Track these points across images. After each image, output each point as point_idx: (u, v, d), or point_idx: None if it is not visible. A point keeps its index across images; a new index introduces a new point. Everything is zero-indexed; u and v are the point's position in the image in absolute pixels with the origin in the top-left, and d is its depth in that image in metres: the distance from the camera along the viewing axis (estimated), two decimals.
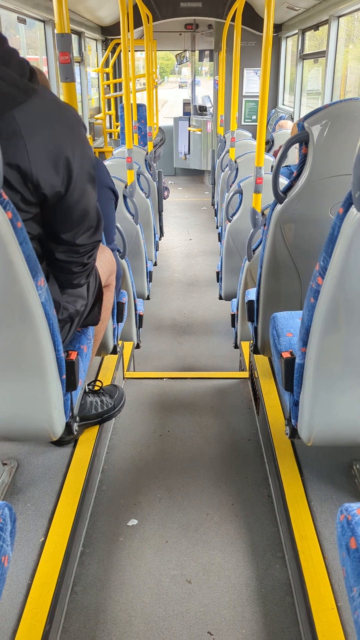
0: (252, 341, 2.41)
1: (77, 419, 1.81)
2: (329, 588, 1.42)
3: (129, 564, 1.70)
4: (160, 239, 5.49)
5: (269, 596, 1.59)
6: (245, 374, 2.78)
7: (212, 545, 1.76)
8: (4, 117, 1.10)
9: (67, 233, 1.35)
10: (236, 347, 3.17)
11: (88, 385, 2.16)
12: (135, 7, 4.96)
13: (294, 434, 1.53)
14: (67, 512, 1.67)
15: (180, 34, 8.69)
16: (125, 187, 3.25)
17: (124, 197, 3.27)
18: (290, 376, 1.45)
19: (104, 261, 1.92)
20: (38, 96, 1.15)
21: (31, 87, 1.15)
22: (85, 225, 1.38)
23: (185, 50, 9.24)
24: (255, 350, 2.35)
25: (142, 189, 4.11)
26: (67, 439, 1.94)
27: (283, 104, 7.65)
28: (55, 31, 1.87)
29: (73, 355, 1.46)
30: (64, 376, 1.42)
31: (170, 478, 2.04)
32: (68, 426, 1.53)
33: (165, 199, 5.93)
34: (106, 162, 3.64)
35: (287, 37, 7.18)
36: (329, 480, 1.77)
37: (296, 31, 6.30)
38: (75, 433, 1.64)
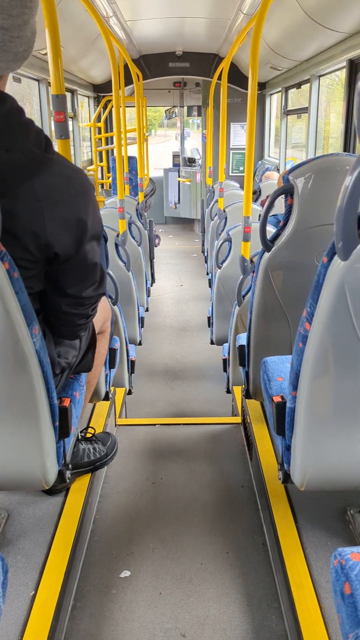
0: (244, 386, 2.43)
1: (70, 466, 1.80)
2: (327, 639, 1.39)
3: (122, 617, 1.65)
4: (151, 285, 5.57)
5: None
6: (238, 419, 2.78)
7: (206, 596, 1.72)
8: (24, 186, 1.16)
9: (73, 287, 1.39)
10: (228, 391, 3.18)
11: (80, 432, 2.15)
12: (126, 67, 5.20)
13: (286, 478, 1.53)
14: (59, 564, 1.63)
15: (170, 91, 9.08)
16: (117, 235, 3.33)
17: (116, 245, 3.34)
18: (282, 420, 1.46)
19: (98, 308, 1.95)
20: (54, 165, 1.21)
21: (48, 158, 1.21)
22: (91, 280, 1.42)
23: (174, 106, 9.62)
24: (247, 394, 2.36)
25: (133, 237, 4.20)
26: (59, 488, 1.91)
27: (269, 156, 7.93)
28: (51, 92, 1.97)
29: (66, 402, 1.47)
30: (57, 423, 1.43)
31: (163, 527, 2.01)
32: (60, 474, 1.52)
33: (156, 246, 6.06)
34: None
35: (271, 94, 7.53)
36: (324, 526, 1.76)
37: (280, 89, 6.61)
38: (68, 481, 1.63)
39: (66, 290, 1.39)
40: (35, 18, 1.20)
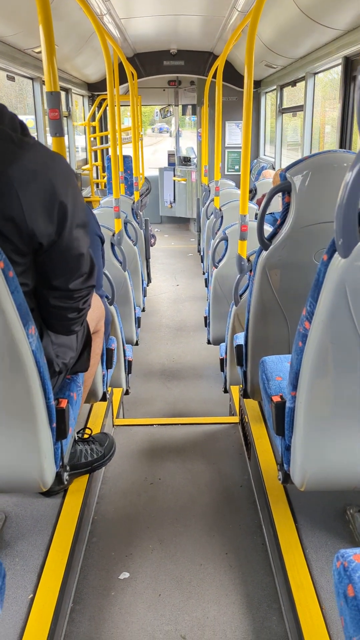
0: (241, 385, 2.42)
1: (68, 468, 1.78)
2: None
3: (121, 620, 1.64)
4: (147, 285, 5.55)
5: None
6: (236, 419, 2.77)
7: (206, 597, 1.71)
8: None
9: (59, 279, 1.35)
10: (226, 391, 3.16)
11: (77, 433, 2.14)
12: (121, 65, 5.18)
13: (286, 479, 1.51)
14: (57, 566, 1.62)
15: (164, 90, 9.06)
16: (113, 235, 3.31)
17: (112, 244, 3.32)
18: (281, 420, 1.45)
19: (93, 307, 1.93)
20: (32, 149, 1.19)
21: (25, 141, 1.19)
22: (77, 271, 1.38)
23: (169, 105, 9.60)
24: (245, 394, 2.35)
25: (129, 237, 4.18)
26: (57, 489, 1.90)
27: (264, 155, 7.92)
28: (45, 89, 1.95)
29: (63, 403, 1.45)
30: (54, 424, 1.41)
31: (162, 528, 2.00)
32: (58, 476, 1.51)
33: (152, 246, 6.04)
34: (94, 211, 3.71)
35: (266, 92, 7.52)
36: (323, 526, 1.75)
37: (275, 87, 6.60)
38: (66, 483, 1.61)
39: (52, 282, 1.35)
40: None
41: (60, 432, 1.44)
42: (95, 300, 2.00)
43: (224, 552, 1.88)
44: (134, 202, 4.99)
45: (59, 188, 1.23)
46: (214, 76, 5.30)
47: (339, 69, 4.15)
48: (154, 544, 1.92)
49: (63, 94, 6.56)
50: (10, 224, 1.17)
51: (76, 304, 1.43)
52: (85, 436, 2.14)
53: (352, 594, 0.89)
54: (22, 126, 1.23)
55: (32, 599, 1.51)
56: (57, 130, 1.96)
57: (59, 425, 1.43)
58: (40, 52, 1.90)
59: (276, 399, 1.50)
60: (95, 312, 1.96)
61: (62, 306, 1.41)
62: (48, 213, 1.22)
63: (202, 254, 6.31)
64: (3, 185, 1.14)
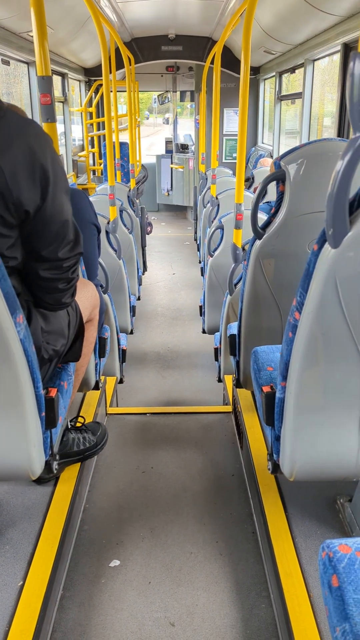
0: (234, 375, 2.42)
1: (57, 457, 1.78)
2: (315, 627, 1.39)
3: (111, 607, 1.65)
4: (143, 274, 5.53)
5: (255, 638, 1.55)
6: (229, 408, 2.77)
7: (196, 585, 1.72)
8: None
9: (47, 249, 1.35)
10: (219, 380, 3.17)
11: (70, 421, 2.13)
12: (117, 50, 5.11)
13: (275, 469, 1.52)
14: (47, 554, 1.62)
15: (162, 76, 8.96)
16: (108, 223, 3.29)
17: (107, 232, 3.30)
18: (271, 410, 1.45)
19: (87, 296, 1.92)
20: (4, 117, 1.18)
21: None
22: (64, 238, 1.38)
23: (166, 91, 9.51)
24: (237, 384, 2.35)
25: (125, 225, 4.16)
26: (47, 477, 1.90)
27: (262, 142, 7.86)
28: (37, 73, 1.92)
29: (53, 392, 1.45)
30: (44, 413, 1.41)
31: (153, 516, 2.01)
32: (47, 464, 1.51)
33: (148, 234, 6.00)
34: (90, 198, 3.68)
35: (265, 79, 7.44)
36: (313, 515, 1.76)
37: (273, 73, 6.53)
38: (55, 472, 1.61)
39: (41, 253, 1.34)
40: None
41: (49, 421, 1.44)
42: (90, 289, 1.98)
43: (215, 540, 1.89)
44: (130, 190, 4.96)
45: (38, 151, 1.22)
46: (212, 62, 5.24)
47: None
48: (145, 532, 1.93)
49: (59, 78, 6.48)
50: None
51: (65, 274, 1.42)
52: (78, 424, 2.14)
53: (336, 584, 0.89)
54: None
55: (22, 586, 1.51)
56: (49, 116, 1.93)
57: (48, 414, 1.43)
58: (32, 35, 1.87)
59: (266, 389, 1.50)
60: (89, 300, 1.95)
61: (51, 278, 1.40)
62: (31, 178, 1.21)
63: (198, 242, 6.28)
64: None
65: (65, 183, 1.33)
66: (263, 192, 1.99)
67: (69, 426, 2.09)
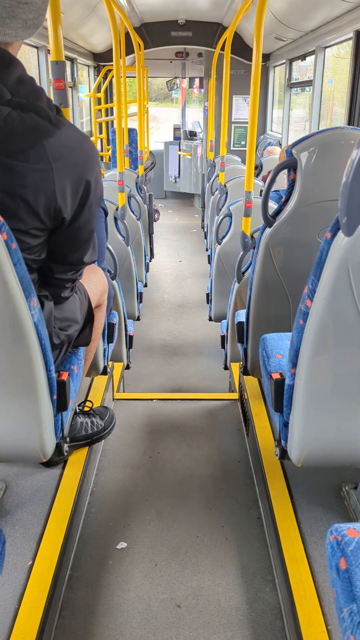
0: (241, 362, 2.43)
1: (68, 439, 1.80)
2: (319, 611, 1.42)
3: (118, 588, 1.68)
4: (150, 261, 5.53)
5: (259, 620, 1.58)
6: (235, 395, 2.79)
7: (201, 568, 1.75)
8: (35, 147, 1.15)
9: (74, 253, 1.40)
10: (226, 368, 3.18)
11: (78, 406, 2.16)
12: (127, 35, 5.08)
13: (283, 455, 1.53)
14: (56, 535, 1.65)
15: (171, 62, 8.88)
16: (117, 209, 3.29)
17: (115, 219, 3.30)
18: (280, 397, 1.46)
19: (95, 281, 1.93)
20: (66, 128, 1.22)
21: (61, 120, 1.21)
22: (90, 246, 1.44)
23: (176, 77, 9.43)
24: (245, 371, 2.36)
25: (133, 212, 4.15)
26: (57, 460, 1.93)
27: (271, 130, 7.80)
28: (50, 58, 1.92)
29: (64, 376, 1.46)
30: (55, 396, 1.42)
31: (160, 500, 2.03)
32: (58, 447, 1.53)
33: (155, 221, 6.00)
34: None
35: (275, 66, 7.37)
36: (319, 502, 1.77)
37: (284, 61, 6.46)
38: (65, 454, 1.63)
39: (67, 257, 1.40)
40: None
41: (60, 404, 1.45)
42: (98, 274, 1.99)
43: (220, 524, 1.92)
44: (138, 177, 4.94)
45: (88, 166, 1.26)
46: (222, 48, 5.19)
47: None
48: (152, 516, 1.96)
49: (68, 63, 6.44)
50: (41, 200, 1.19)
51: (75, 275, 1.48)
52: (86, 409, 2.17)
53: (344, 567, 0.91)
54: (57, 107, 1.27)
55: (32, 566, 1.54)
56: (62, 101, 1.93)
57: (60, 397, 1.44)
58: (45, 20, 1.86)
59: (276, 376, 1.51)
60: (98, 286, 1.96)
61: (64, 278, 1.45)
62: (76, 189, 1.25)
63: (205, 230, 6.27)
64: (38, 158, 1.15)
65: (100, 194, 1.38)
66: (274, 181, 1.99)
67: (77, 410, 2.11)
